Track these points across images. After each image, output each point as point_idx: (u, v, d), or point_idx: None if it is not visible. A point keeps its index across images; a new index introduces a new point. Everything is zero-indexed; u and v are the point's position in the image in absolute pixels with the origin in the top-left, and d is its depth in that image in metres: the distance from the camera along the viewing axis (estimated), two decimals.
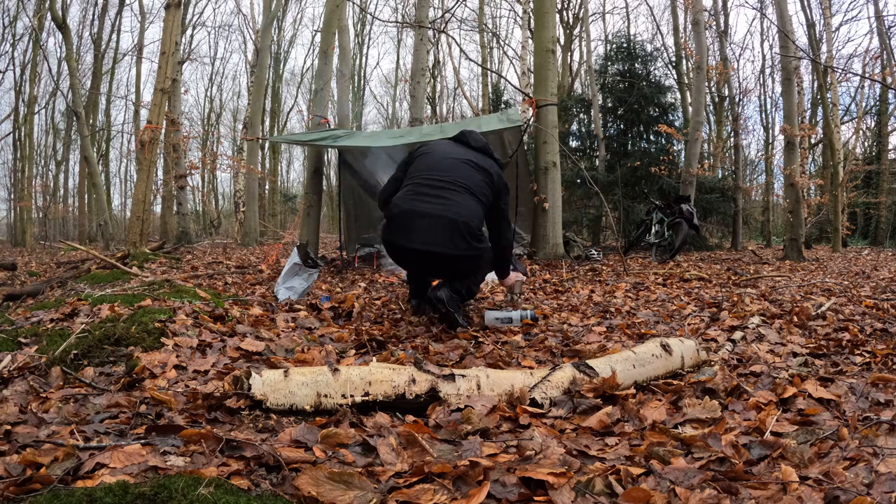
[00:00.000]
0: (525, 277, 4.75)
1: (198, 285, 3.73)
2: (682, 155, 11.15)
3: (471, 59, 24.16)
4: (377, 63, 67.67)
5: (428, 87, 17.57)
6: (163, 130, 9.09)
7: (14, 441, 1.25)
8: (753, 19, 25.65)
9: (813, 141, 16.75)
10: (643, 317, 3.18)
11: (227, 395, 1.54)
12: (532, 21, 10.45)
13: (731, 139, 15.60)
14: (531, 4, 11.77)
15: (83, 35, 19.99)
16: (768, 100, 20.31)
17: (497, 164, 3.14)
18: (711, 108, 16.31)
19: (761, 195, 18.01)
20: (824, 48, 15.24)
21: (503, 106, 15.69)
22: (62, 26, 12.79)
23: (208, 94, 31.04)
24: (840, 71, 14.99)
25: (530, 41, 12.49)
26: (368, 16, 21.40)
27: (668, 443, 1.37)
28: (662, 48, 17.54)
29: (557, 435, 1.47)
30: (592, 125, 12.94)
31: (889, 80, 10.44)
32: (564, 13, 18.74)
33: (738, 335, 2.56)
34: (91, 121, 17.26)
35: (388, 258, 4.61)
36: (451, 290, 2.86)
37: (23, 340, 2.08)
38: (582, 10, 17.64)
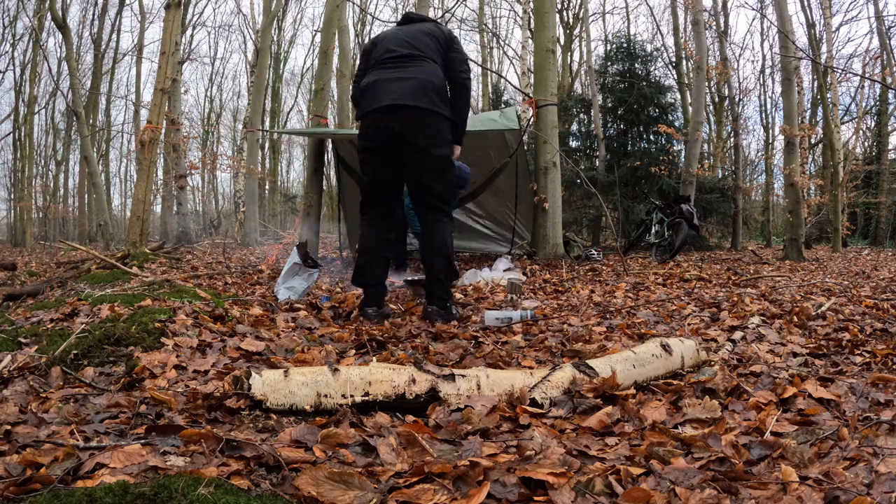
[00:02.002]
0: (522, 277, 4.76)
1: (198, 285, 3.73)
2: (682, 155, 11.16)
3: (471, 59, 24.14)
4: None
5: None
6: (163, 130, 9.10)
7: (14, 441, 1.25)
8: (753, 19, 25.67)
9: (813, 141, 16.76)
10: (643, 317, 3.18)
11: (227, 395, 1.54)
12: (532, 21, 10.45)
13: (731, 139, 15.61)
14: (531, 4, 11.77)
15: (83, 35, 20.02)
16: (768, 100, 20.33)
17: (437, 23, 3.26)
18: (711, 108, 16.32)
19: (761, 195, 18.03)
20: (824, 48, 15.25)
21: (503, 106, 15.68)
22: (62, 26, 12.80)
23: (208, 94, 31.11)
24: (840, 71, 15.00)
25: (530, 41, 12.49)
26: (368, 16, 21.40)
27: (668, 443, 1.37)
28: (662, 48, 17.57)
29: (557, 435, 1.47)
30: (592, 125, 12.95)
31: (889, 80, 10.44)
32: (564, 13, 18.75)
33: (738, 335, 2.56)
34: (91, 121, 17.27)
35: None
36: (438, 302, 2.97)
37: (23, 340, 2.08)
38: (582, 10, 17.65)
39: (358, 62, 3.30)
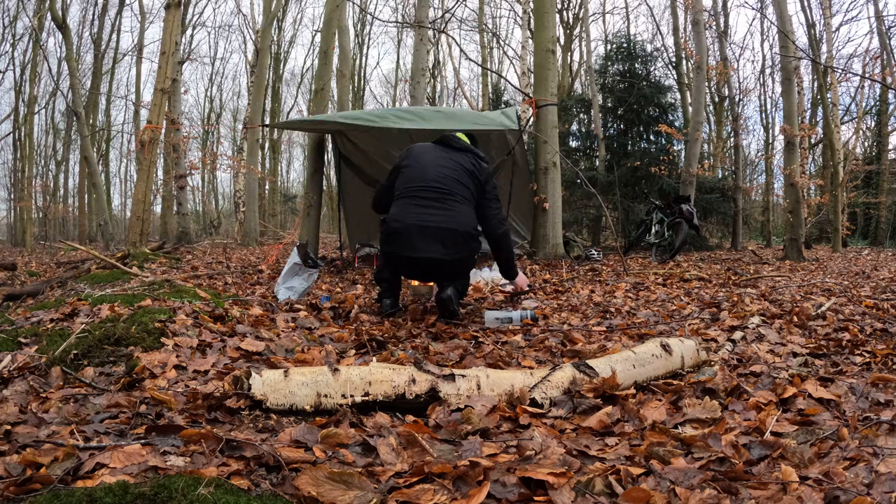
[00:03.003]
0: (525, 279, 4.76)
1: (198, 285, 3.73)
2: (682, 155, 11.15)
3: (471, 59, 24.15)
4: (377, 63, 67.62)
5: (428, 87, 17.57)
6: (163, 130, 9.10)
7: (14, 441, 1.25)
8: (753, 19, 25.66)
9: (813, 141, 16.75)
10: (643, 317, 3.18)
11: (227, 395, 1.54)
12: (532, 21, 10.45)
13: (731, 139, 15.60)
14: (531, 4, 11.77)
15: (83, 35, 20.01)
16: (768, 100, 20.33)
17: (478, 157, 3.28)
18: (711, 108, 16.31)
19: (761, 195, 18.02)
20: (824, 48, 15.25)
21: (503, 105, 15.70)
22: (62, 26, 12.80)
23: (208, 94, 31.06)
24: (840, 71, 15.00)
25: (530, 41, 12.49)
26: (368, 16, 21.41)
27: (668, 443, 1.37)
28: (662, 48, 17.55)
29: (557, 435, 1.47)
30: (592, 125, 12.94)
31: (889, 80, 10.44)
32: (564, 13, 18.75)
33: (738, 335, 2.56)
34: (91, 121, 17.27)
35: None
36: (454, 290, 3.07)
37: (23, 340, 2.08)
38: (582, 10, 17.65)
39: (391, 171, 3.31)
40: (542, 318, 3.15)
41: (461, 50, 20.59)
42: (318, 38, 21.14)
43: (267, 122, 16.43)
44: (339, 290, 4.34)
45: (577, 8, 18.89)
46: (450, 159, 3.17)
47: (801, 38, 17.41)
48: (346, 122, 6.36)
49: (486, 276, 4.82)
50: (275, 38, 20.54)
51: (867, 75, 13.73)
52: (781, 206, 15.01)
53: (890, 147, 17.16)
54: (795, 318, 3.01)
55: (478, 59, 20.43)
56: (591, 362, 1.85)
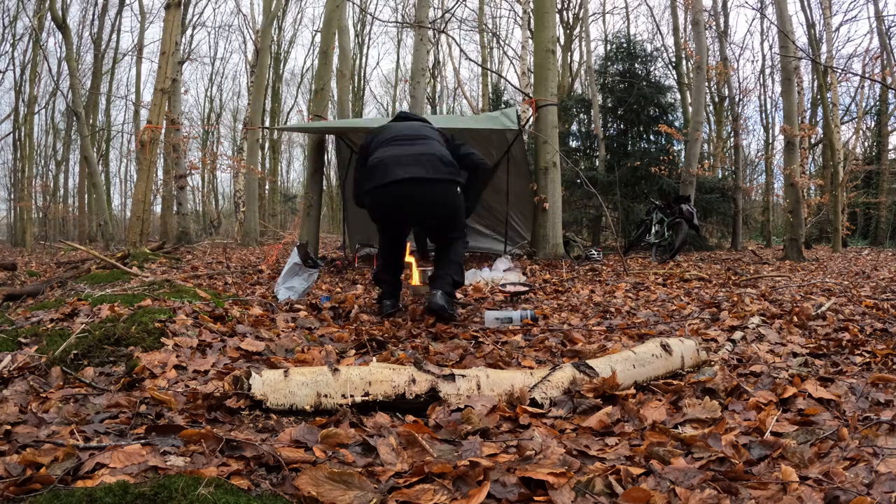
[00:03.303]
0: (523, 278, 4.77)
1: (198, 285, 3.73)
2: (682, 155, 11.15)
3: (471, 59, 24.15)
4: (377, 63, 67.62)
5: (428, 87, 17.58)
6: (163, 130, 9.10)
7: (14, 441, 1.25)
8: (753, 19, 25.66)
9: (813, 141, 16.75)
10: (643, 317, 3.18)
11: (227, 395, 1.54)
12: (532, 21, 10.46)
13: (731, 139, 15.60)
14: (531, 4, 11.77)
15: (83, 35, 19.99)
16: (768, 100, 20.31)
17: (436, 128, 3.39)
18: (711, 108, 16.31)
19: (761, 195, 18.02)
20: (824, 48, 15.25)
21: (503, 106, 15.69)
22: (62, 26, 12.80)
23: (208, 94, 31.01)
24: (840, 71, 14.99)
25: (530, 41, 12.49)
26: (368, 16, 21.41)
27: (668, 443, 1.37)
28: (662, 48, 17.56)
29: (557, 435, 1.47)
30: (592, 125, 12.94)
31: (889, 80, 10.44)
32: (564, 13, 18.75)
33: (738, 335, 2.56)
34: (91, 121, 17.27)
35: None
36: (444, 294, 3.04)
37: (23, 340, 2.08)
38: (582, 10, 17.64)
39: (358, 158, 3.38)
40: (542, 318, 3.15)
41: (461, 50, 20.59)
42: (318, 38, 21.15)
43: (267, 121, 16.45)
44: (339, 290, 4.34)
45: (577, 8, 18.89)
46: (414, 123, 3.37)
47: (801, 38, 17.42)
48: (346, 126, 6.38)
49: (486, 276, 4.83)
50: (275, 38, 20.54)
51: (867, 75, 13.73)
52: (781, 206, 15.01)
53: (890, 147, 17.17)
54: (795, 318, 3.01)
55: (478, 59, 20.45)
56: (591, 362, 1.85)
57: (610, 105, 12.45)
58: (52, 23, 14.22)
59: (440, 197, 3.08)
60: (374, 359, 2.05)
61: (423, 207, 3.10)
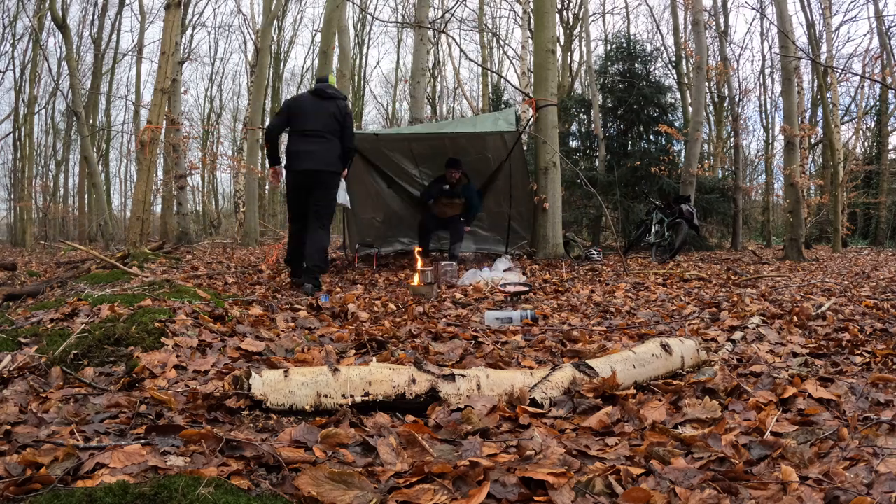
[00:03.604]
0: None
1: (198, 285, 3.72)
2: (682, 155, 11.15)
3: (471, 59, 24.15)
4: (377, 63, 67.59)
5: (428, 87, 17.57)
6: (163, 130, 9.09)
7: (14, 441, 1.25)
8: (753, 19, 25.67)
9: (813, 141, 16.74)
10: (643, 317, 3.18)
11: (227, 395, 1.54)
12: (532, 21, 10.45)
13: (731, 139, 15.60)
14: (531, 4, 11.77)
15: (83, 35, 19.99)
16: (768, 100, 20.29)
17: (343, 99, 4.56)
18: (711, 108, 16.31)
19: (761, 195, 18.02)
20: (824, 48, 15.26)
21: (503, 106, 15.69)
22: (62, 26, 12.79)
23: (208, 94, 30.96)
24: (840, 71, 15.00)
25: (530, 41, 12.49)
26: (368, 16, 21.40)
27: (668, 443, 1.37)
28: (662, 48, 17.56)
29: (557, 435, 1.47)
30: (592, 125, 12.94)
31: (889, 80, 10.44)
32: (564, 13, 18.74)
33: (738, 335, 2.56)
34: (91, 121, 17.26)
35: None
36: (312, 280, 4.16)
37: (23, 340, 2.08)
38: (582, 10, 17.65)
39: (278, 112, 4.67)
40: (542, 318, 3.15)
41: (461, 50, 20.61)
42: (318, 38, 21.14)
43: (267, 122, 16.41)
44: (338, 290, 4.34)
45: (577, 8, 18.89)
46: (322, 106, 4.41)
47: (801, 38, 17.43)
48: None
49: (486, 276, 4.83)
50: (275, 38, 20.53)
51: (867, 75, 13.73)
52: (781, 206, 15.01)
53: (890, 147, 17.17)
54: (795, 319, 3.01)
55: (478, 59, 20.44)
56: (591, 362, 1.85)
57: (610, 105, 12.45)
58: (52, 23, 14.22)
59: (328, 177, 4.42)
60: (374, 359, 2.05)
61: (319, 185, 4.39)
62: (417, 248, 5.60)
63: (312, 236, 4.37)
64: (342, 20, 10.59)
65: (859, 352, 2.32)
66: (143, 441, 1.25)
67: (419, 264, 4.68)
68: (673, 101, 12.85)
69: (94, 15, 19.28)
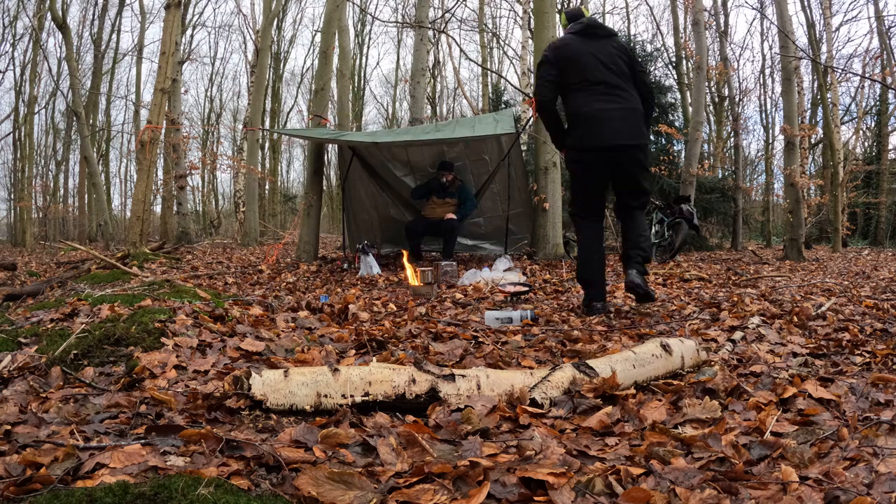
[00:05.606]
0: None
1: (198, 285, 3.72)
2: (682, 155, 11.15)
3: (471, 59, 24.14)
4: (377, 63, 67.67)
5: (428, 87, 17.57)
6: (163, 130, 9.09)
7: (14, 441, 1.24)
8: (753, 19, 25.67)
9: (813, 141, 16.75)
10: (643, 317, 3.18)
11: (227, 395, 1.54)
12: (532, 21, 10.44)
13: (731, 139, 15.60)
14: (531, 4, 11.76)
15: (83, 35, 19.99)
16: (768, 100, 20.30)
17: (621, 45, 3.43)
18: (711, 108, 16.31)
19: (761, 195, 18.02)
20: (824, 48, 15.25)
21: (503, 106, 15.69)
22: (62, 26, 12.80)
23: (208, 94, 30.95)
24: (840, 71, 15.00)
25: (530, 41, 12.49)
26: (368, 16, 21.41)
27: (668, 443, 1.37)
28: (662, 48, 17.51)
29: (557, 435, 1.47)
30: None
31: (889, 80, 10.44)
32: None
33: (738, 335, 2.56)
34: (91, 121, 17.26)
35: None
36: (639, 267, 3.32)
37: (23, 340, 2.08)
38: None
39: (542, 69, 3.42)
40: (542, 318, 3.15)
41: (461, 50, 20.56)
42: (318, 38, 21.13)
43: (267, 121, 16.44)
44: (338, 290, 4.34)
45: None
46: (604, 50, 3.35)
47: (801, 38, 17.41)
48: (344, 139, 6.42)
49: (486, 276, 4.83)
50: (275, 38, 20.54)
51: (867, 75, 13.73)
52: (781, 207, 15.00)
53: (890, 147, 17.18)
54: (795, 319, 3.01)
55: (478, 59, 20.43)
56: (591, 362, 1.85)
57: None
58: (52, 23, 14.22)
59: (641, 154, 3.32)
60: (374, 359, 2.05)
61: (629, 165, 3.33)
62: (405, 253, 5.48)
63: (634, 221, 3.48)
64: (342, 20, 10.60)
65: (859, 352, 2.32)
66: (143, 441, 1.25)
67: (409, 271, 4.64)
68: (673, 101, 12.85)
69: (94, 15, 19.29)
